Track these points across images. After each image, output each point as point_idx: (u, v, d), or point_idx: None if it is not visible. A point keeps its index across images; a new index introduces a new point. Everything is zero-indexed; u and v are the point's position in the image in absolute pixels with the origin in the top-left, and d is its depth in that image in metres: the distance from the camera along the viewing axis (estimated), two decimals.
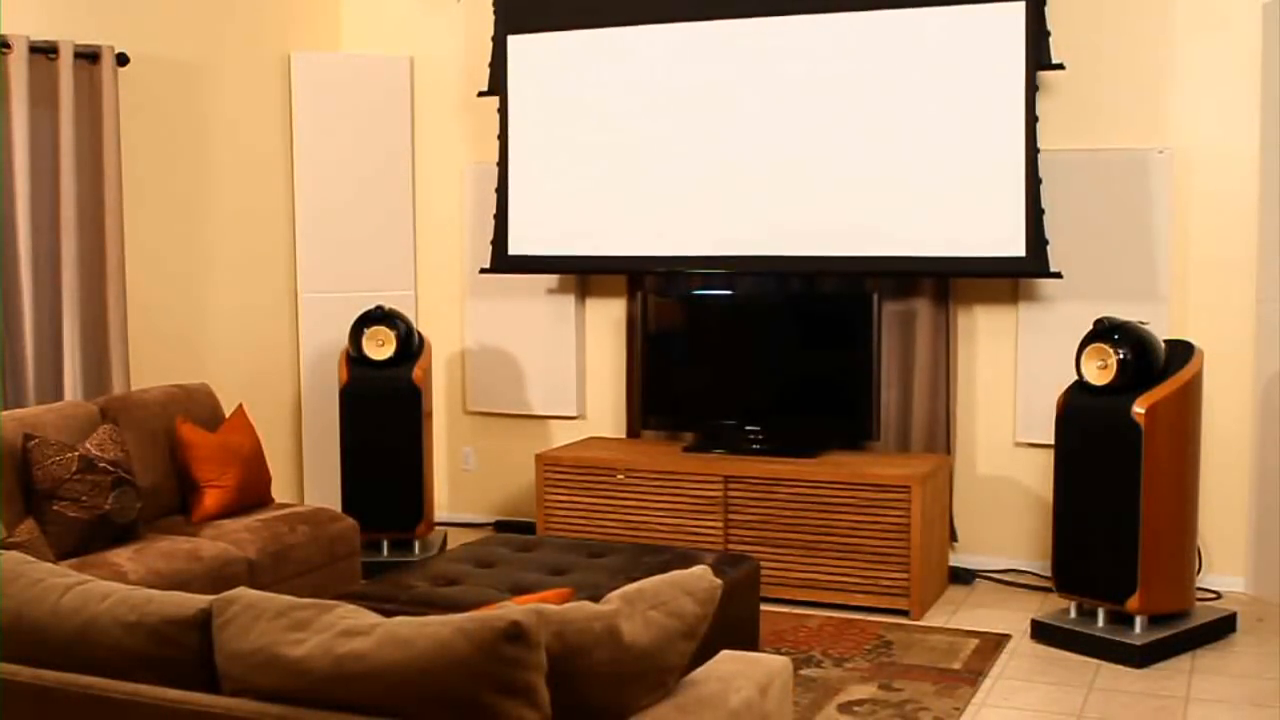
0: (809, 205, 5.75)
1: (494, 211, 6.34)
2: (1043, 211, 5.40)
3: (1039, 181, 5.39)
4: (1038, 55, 5.36)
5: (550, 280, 6.47)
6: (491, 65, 6.31)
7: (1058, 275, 5.44)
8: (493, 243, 6.35)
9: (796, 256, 5.76)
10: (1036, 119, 5.38)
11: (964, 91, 5.47)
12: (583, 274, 6.37)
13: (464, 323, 6.71)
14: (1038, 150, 5.39)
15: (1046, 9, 5.38)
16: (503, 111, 6.27)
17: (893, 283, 5.80)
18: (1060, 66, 5.41)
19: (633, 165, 6.05)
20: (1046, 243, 5.40)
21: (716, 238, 5.90)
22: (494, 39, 6.29)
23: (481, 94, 6.35)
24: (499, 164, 6.29)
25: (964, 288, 5.79)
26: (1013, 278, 5.62)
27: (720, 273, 5.96)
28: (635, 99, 6.03)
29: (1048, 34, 5.38)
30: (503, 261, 6.32)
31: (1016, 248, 5.42)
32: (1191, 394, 4.73)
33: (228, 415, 5.24)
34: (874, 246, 5.64)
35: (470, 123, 6.58)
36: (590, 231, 6.14)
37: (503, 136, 6.27)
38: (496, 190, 6.32)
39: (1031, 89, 5.36)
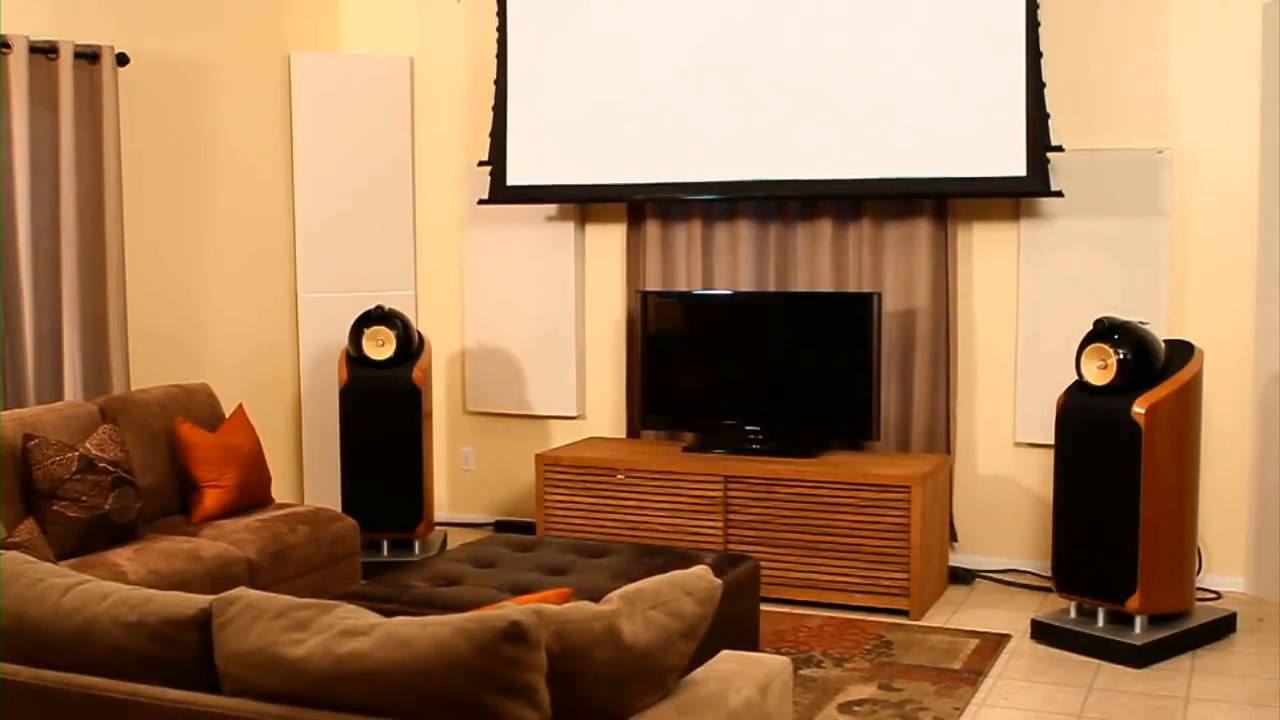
0: (809, 127, 5.74)
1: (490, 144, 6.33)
2: (1044, 129, 5.37)
3: (1041, 98, 5.37)
4: None
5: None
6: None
7: (1059, 194, 5.43)
8: (490, 171, 6.32)
9: (796, 180, 5.76)
10: (1039, 27, 5.39)
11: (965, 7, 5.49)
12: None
13: (464, 318, 6.72)
14: (1039, 56, 5.37)
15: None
16: (501, 29, 6.25)
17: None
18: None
19: (629, 91, 6.04)
20: (1048, 161, 5.39)
21: (715, 162, 5.90)
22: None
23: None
24: (495, 82, 6.27)
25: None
26: (1013, 197, 5.55)
27: (718, 199, 5.96)
28: (631, 24, 6.02)
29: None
30: (501, 191, 6.29)
31: (1017, 167, 5.41)
32: (1191, 394, 4.72)
33: (228, 415, 5.24)
34: (873, 168, 5.63)
35: (470, 123, 6.58)
36: (588, 158, 6.12)
37: (501, 56, 6.24)
38: (494, 110, 6.28)
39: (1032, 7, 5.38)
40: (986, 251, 5.76)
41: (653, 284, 6.20)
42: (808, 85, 5.74)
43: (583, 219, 6.46)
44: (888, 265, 5.81)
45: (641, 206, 6.23)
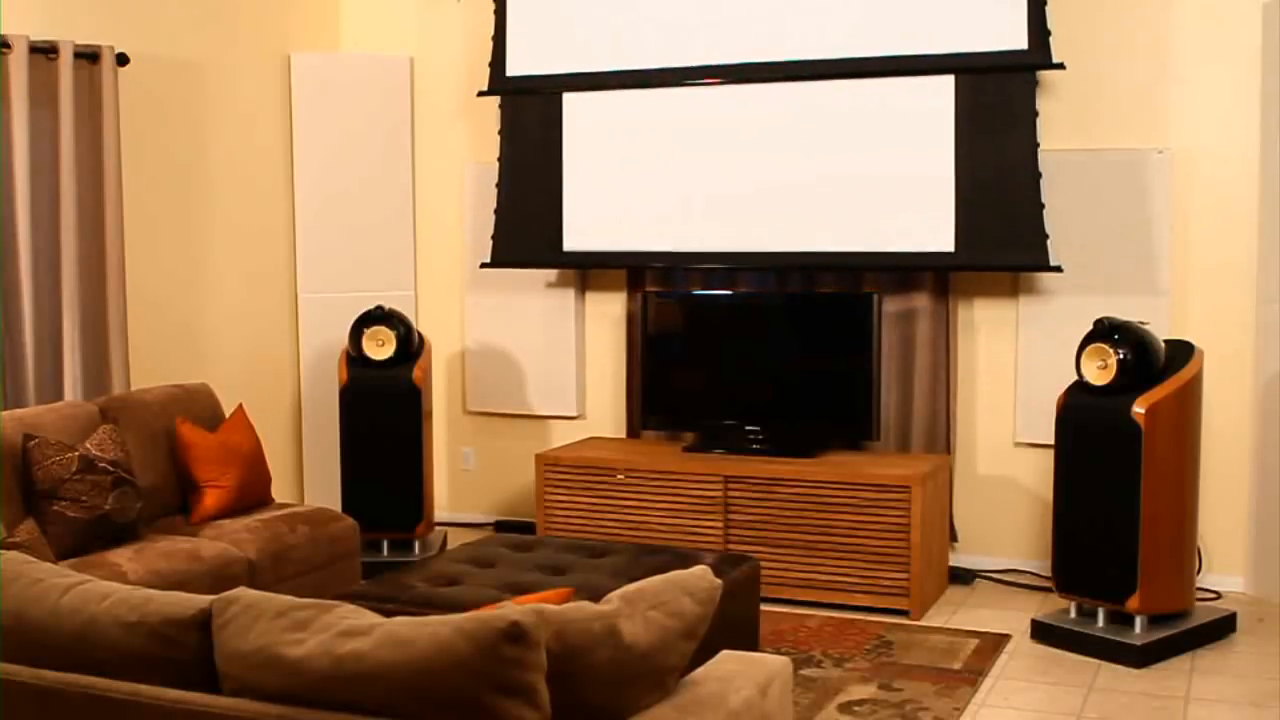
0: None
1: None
2: (1045, 1, 5.34)
3: None
4: None
5: (549, 275, 6.46)
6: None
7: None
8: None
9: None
10: None
11: None
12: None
13: (464, 322, 6.71)
14: None
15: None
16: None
17: (893, 277, 5.79)
18: (1061, 66, 5.39)
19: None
20: (1049, 33, 5.33)
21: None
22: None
23: (481, 94, 6.34)
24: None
25: (964, 280, 5.78)
26: (1016, 71, 5.42)
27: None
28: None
29: (1048, 33, 5.37)
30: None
31: (1018, 41, 5.37)
32: (1191, 394, 4.72)
33: (228, 415, 5.24)
34: (881, 45, 5.56)
35: (470, 123, 6.58)
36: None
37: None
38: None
39: None
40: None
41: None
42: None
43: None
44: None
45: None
